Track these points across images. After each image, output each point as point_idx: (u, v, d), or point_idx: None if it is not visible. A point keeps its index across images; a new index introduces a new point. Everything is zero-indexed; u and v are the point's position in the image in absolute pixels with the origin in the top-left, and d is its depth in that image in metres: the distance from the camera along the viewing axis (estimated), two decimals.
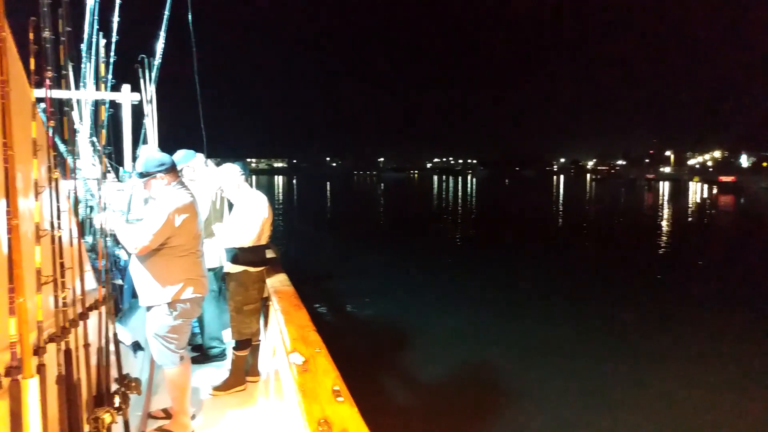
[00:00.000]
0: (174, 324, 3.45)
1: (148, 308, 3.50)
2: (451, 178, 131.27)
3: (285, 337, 2.58)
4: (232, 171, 4.47)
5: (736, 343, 8.81)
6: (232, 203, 4.52)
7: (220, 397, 4.33)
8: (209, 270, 4.45)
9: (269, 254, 4.89)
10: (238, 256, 4.32)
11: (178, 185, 3.52)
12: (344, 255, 18.22)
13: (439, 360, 8.12)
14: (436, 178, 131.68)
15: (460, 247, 20.68)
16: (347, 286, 13.12)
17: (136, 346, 3.63)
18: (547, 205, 42.88)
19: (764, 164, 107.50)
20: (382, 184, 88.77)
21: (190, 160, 4.84)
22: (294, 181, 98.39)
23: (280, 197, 51.26)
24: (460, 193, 61.61)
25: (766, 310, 10.92)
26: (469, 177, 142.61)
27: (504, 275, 14.87)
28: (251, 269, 4.34)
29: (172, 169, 3.53)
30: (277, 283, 4.00)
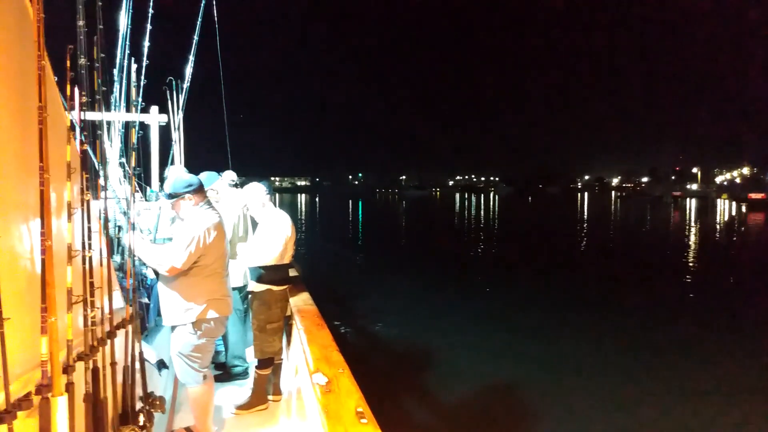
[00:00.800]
0: (198, 343, 3.48)
1: (173, 327, 3.55)
2: (473, 195, 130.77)
3: (308, 356, 2.59)
4: (258, 190, 4.54)
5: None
6: (257, 222, 4.58)
7: (243, 416, 4.34)
8: (234, 289, 4.50)
9: (292, 273, 4.93)
10: (262, 275, 4.36)
11: (205, 205, 3.59)
12: (367, 273, 18.22)
13: (463, 380, 8.04)
14: (458, 195, 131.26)
15: (482, 266, 20.49)
16: (370, 305, 13.10)
17: (161, 365, 3.68)
18: (571, 224, 42.35)
19: None
20: (404, 202, 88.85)
21: (213, 183, 4.93)
22: (317, 199, 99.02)
23: (303, 215, 51.56)
24: (482, 211, 61.26)
25: None
26: (491, 194, 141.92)
27: (527, 294, 14.69)
28: (274, 288, 4.38)
29: (200, 190, 3.60)
30: (300, 302, 4.02)
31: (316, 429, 2.11)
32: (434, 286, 15.68)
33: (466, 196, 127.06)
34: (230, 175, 5.70)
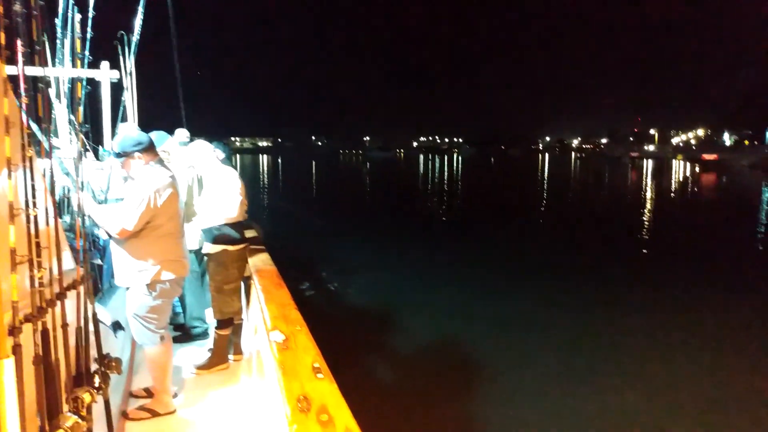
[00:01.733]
0: (153, 304, 3.44)
1: (128, 288, 3.49)
2: (437, 157, 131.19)
3: (266, 315, 2.58)
4: (204, 148, 4.43)
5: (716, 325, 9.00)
6: (205, 182, 4.47)
7: (203, 375, 4.35)
8: (191, 251, 4.43)
9: (251, 233, 4.87)
10: (216, 235, 4.30)
11: (157, 165, 3.48)
12: (329, 235, 18.22)
13: (422, 337, 8.20)
14: (422, 157, 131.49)
15: (445, 227, 20.76)
16: (332, 265, 13.13)
17: (117, 326, 3.62)
18: (532, 185, 43.08)
19: (746, 142, 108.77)
20: (369, 164, 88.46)
21: (164, 142, 4.75)
22: (279, 161, 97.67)
23: (265, 177, 50.88)
24: (446, 173, 61.64)
25: (746, 287, 11.15)
26: (455, 156, 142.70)
27: (488, 253, 14.98)
28: (230, 248, 4.32)
29: (150, 149, 3.48)
30: (259, 262, 4.00)
31: (274, 386, 2.12)
32: (398, 247, 15.82)
33: (430, 157, 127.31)
34: (182, 134, 5.53)
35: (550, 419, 5.78)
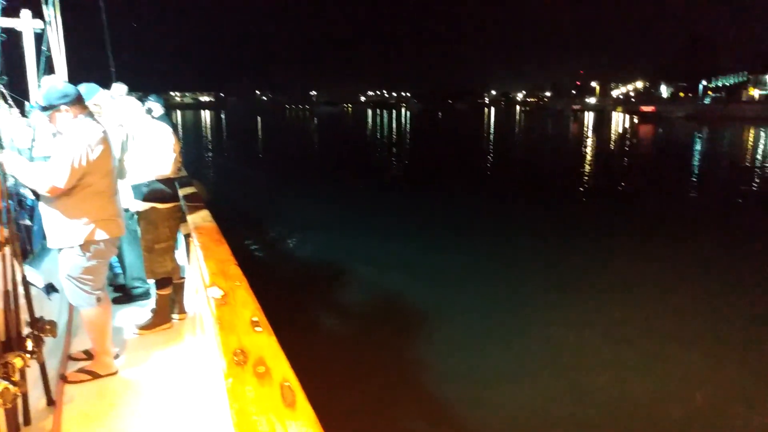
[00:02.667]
0: (87, 265, 3.32)
1: (60, 249, 3.35)
2: (385, 111, 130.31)
3: (204, 272, 2.54)
4: (132, 103, 4.22)
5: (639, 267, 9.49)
6: (135, 137, 4.27)
7: (146, 336, 4.28)
8: (126, 210, 4.27)
9: (188, 191, 4.73)
10: (145, 192, 4.14)
11: (87, 118, 3.29)
12: (277, 192, 17.99)
13: (368, 290, 8.30)
14: (370, 112, 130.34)
15: (394, 183, 20.80)
16: (279, 222, 13.03)
17: (50, 289, 3.50)
18: (478, 138, 43.56)
19: (681, 94, 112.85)
20: (316, 119, 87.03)
21: (94, 96, 4.49)
22: (222, 116, 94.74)
23: (208, 133, 49.36)
24: (394, 128, 61.41)
25: (684, 231, 11.78)
26: (403, 111, 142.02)
27: (437, 208, 15.16)
28: (159, 206, 4.18)
29: (78, 101, 3.28)
30: (199, 219, 3.89)
31: (212, 342, 2.11)
32: (344, 202, 15.81)
33: (378, 112, 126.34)
34: (119, 88, 5.27)
35: (504, 362, 6.02)
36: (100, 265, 3.40)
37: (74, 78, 6.30)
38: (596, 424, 4.85)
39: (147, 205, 4.17)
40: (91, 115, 3.37)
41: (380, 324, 7.11)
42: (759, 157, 26.63)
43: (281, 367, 1.56)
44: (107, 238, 3.34)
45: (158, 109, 6.89)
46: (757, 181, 18.97)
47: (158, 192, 4.16)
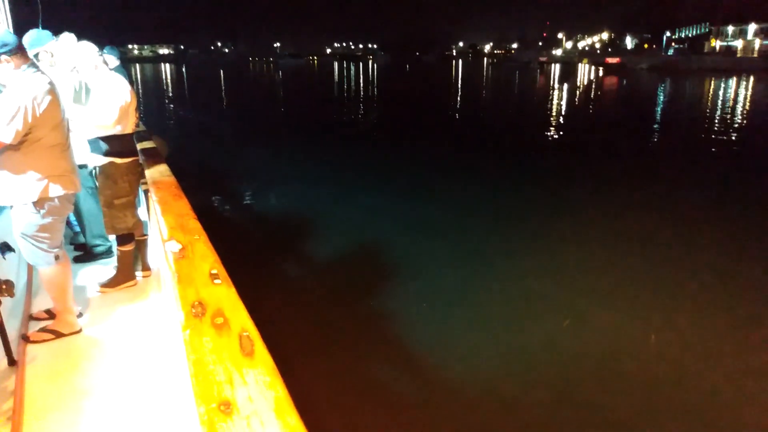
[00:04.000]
0: (42, 223, 3.23)
1: (11, 207, 3.24)
2: (352, 64, 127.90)
3: (162, 226, 2.50)
4: (88, 49, 4.02)
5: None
6: (90, 88, 4.11)
7: (110, 294, 4.24)
8: (81, 166, 4.14)
9: (147, 145, 4.61)
10: (103, 147, 4.02)
11: (31, 69, 3.13)
12: (242, 147, 17.68)
13: (331, 244, 8.28)
14: (336, 64, 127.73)
15: (361, 135, 20.62)
16: (245, 177, 12.86)
17: (5, 248, 3.40)
18: (446, 91, 43.28)
19: (645, 46, 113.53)
20: (280, 72, 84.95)
21: (45, 44, 4.27)
22: (183, 70, 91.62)
23: (170, 88, 47.76)
24: (361, 80, 60.44)
25: (646, 175, 12.07)
26: (370, 63, 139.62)
27: (404, 159, 15.13)
28: (118, 161, 4.07)
29: (19, 51, 3.12)
30: (157, 174, 3.81)
31: (171, 296, 2.09)
32: (310, 156, 15.64)
33: (345, 64, 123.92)
34: (69, 38, 5.01)
35: (471, 312, 6.14)
36: (55, 222, 3.31)
37: (20, 29, 5.96)
38: (562, 369, 5.05)
39: (105, 160, 4.05)
40: (35, 65, 3.21)
41: (346, 275, 7.15)
42: (718, 108, 27.19)
43: (240, 318, 1.57)
44: (62, 194, 3.25)
45: (113, 61, 6.62)
46: (715, 130, 19.42)
47: (116, 146, 4.04)
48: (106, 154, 4.04)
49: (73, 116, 3.78)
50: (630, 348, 5.33)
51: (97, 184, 4.27)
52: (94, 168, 4.18)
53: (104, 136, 4.00)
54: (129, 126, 4.12)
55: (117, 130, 4.01)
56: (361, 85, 52.33)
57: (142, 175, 4.39)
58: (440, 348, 5.32)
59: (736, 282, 6.78)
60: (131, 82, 4.72)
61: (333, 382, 4.69)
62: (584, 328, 5.73)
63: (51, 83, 3.17)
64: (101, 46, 4.58)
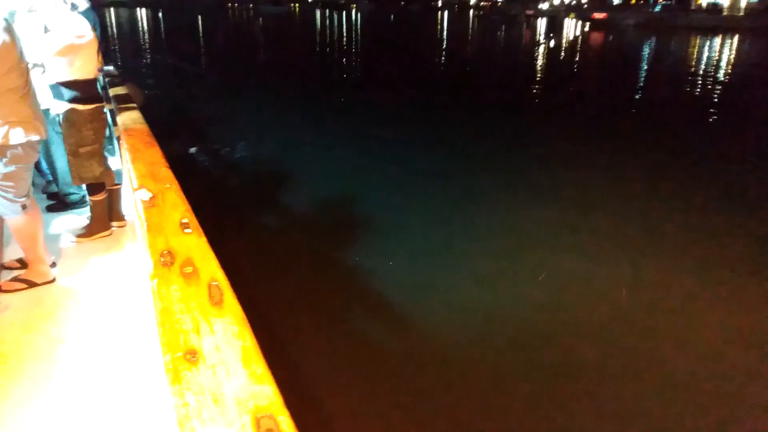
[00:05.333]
0: (6, 171, 3.12)
1: None
2: (335, 12, 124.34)
3: (132, 174, 2.43)
4: None
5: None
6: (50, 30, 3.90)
7: (85, 243, 4.18)
8: (47, 111, 3.99)
9: (119, 90, 4.45)
10: (64, 93, 3.85)
11: None
12: (219, 96, 17.29)
13: (313, 196, 8.25)
14: (318, 12, 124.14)
15: (345, 87, 20.24)
16: (226, 126, 12.65)
17: None
18: (431, 44, 42.49)
19: (632, 1, 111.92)
20: (261, 19, 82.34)
21: None
22: (160, 15, 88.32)
23: (146, 33, 46.12)
24: (344, 30, 58.94)
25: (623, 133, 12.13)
26: (353, 12, 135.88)
27: (380, 115, 14.90)
28: (80, 107, 3.90)
29: None
30: (129, 121, 3.70)
31: (141, 245, 2.06)
32: (289, 107, 15.37)
33: (327, 13, 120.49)
34: None
35: (448, 262, 6.23)
36: (20, 171, 3.21)
37: None
38: (539, 319, 5.16)
39: (67, 106, 3.89)
40: None
41: (324, 228, 7.16)
42: (702, 66, 27.16)
43: (210, 268, 1.54)
44: (24, 141, 3.13)
45: (83, 3, 6.31)
46: (698, 89, 19.47)
47: (78, 92, 3.87)
48: (68, 100, 3.87)
49: (32, 59, 3.61)
50: (600, 296, 5.48)
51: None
52: (57, 115, 4.03)
53: (64, 81, 3.82)
54: (90, 71, 3.94)
55: (77, 74, 3.84)
56: (344, 35, 51.08)
57: (115, 123, 4.27)
58: (421, 299, 5.40)
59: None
60: (103, 26, 4.52)
61: (313, 335, 4.75)
62: (559, 279, 5.85)
63: (6, 23, 3.00)
64: None
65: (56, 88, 3.87)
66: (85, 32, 3.84)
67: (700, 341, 4.84)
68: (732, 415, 3.98)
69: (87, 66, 3.89)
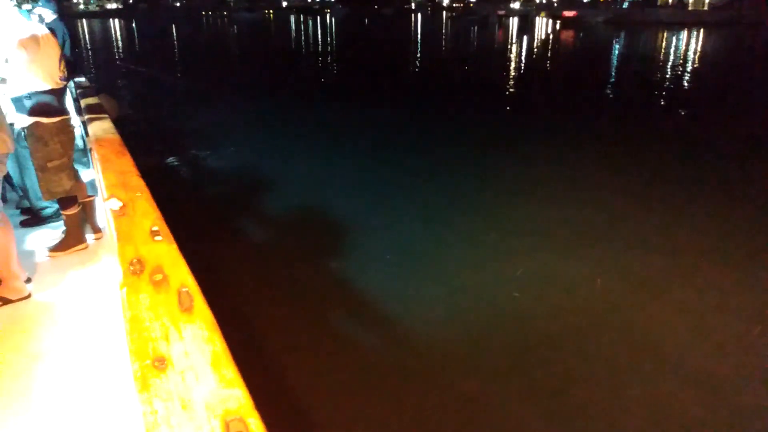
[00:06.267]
0: None
1: None
2: (310, 18, 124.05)
3: (102, 184, 2.41)
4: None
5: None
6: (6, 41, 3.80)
7: (60, 258, 4.13)
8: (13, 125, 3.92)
9: (91, 101, 4.40)
10: (27, 105, 3.74)
11: None
12: (194, 104, 17.15)
13: (288, 203, 8.25)
14: (293, 18, 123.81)
15: (322, 91, 20.21)
16: (196, 135, 12.54)
17: None
18: (405, 46, 42.63)
19: None
20: (235, 26, 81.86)
21: None
22: (134, 25, 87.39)
23: (120, 44, 45.58)
24: (319, 35, 58.87)
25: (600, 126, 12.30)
26: (327, 17, 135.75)
27: (357, 120, 14.88)
28: (45, 120, 3.80)
29: None
30: (100, 131, 3.65)
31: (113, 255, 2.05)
32: (265, 113, 15.31)
33: (302, 18, 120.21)
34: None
35: (429, 261, 6.27)
36: None
37: None
38: (519, 314, 5.21)
39: (30, 120, 3.79)
40: None
41: (303, 233, 7.17)
42: (670, 60, 27.65)
43: (180, 274, 1.54)
44: None
45: (49, 15, 6.23)
46: (666, 84, 19.81)
47: (42, 105, 3.77)
48: (31, 113, 3.77)
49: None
50: (581, 291, 5.56)
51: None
52: (22, 129, 3.92)
53: (28, 93, 3.71)
54: (50, 81, 3.82)
55: (35, 85, 3.73)
56: (319, 39, 51.05)
57: (88, 134, 4.21)
58: (403, 299, 5.41)
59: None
60: (75, 37, 4.44)
61: (294, 337, 4.73)
62: (538, 276, 5.92)
63: None
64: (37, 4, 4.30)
65: (18, 101, 3.77)
66: (48, 42, 3.74)
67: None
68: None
69: (46, 76, 3.77)
